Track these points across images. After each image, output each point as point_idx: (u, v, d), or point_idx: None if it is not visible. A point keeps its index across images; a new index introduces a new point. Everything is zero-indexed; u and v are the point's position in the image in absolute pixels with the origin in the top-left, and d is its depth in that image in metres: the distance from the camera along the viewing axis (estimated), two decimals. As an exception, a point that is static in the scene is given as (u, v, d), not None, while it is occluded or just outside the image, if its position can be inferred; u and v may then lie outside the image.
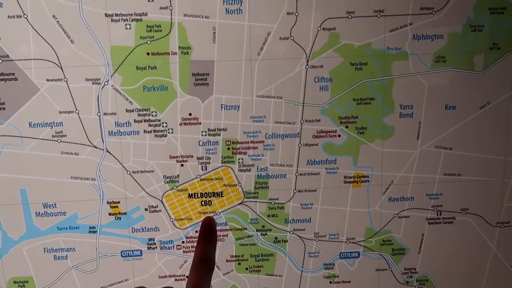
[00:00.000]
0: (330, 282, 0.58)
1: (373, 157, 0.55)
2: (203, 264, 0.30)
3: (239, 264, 0.57)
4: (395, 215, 0.57)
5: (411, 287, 0.59)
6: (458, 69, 0.54)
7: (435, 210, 0.57)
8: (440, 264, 0.58)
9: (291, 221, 0.56)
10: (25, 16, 0.49)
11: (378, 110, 0.54)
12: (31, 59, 0.51)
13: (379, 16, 0.52)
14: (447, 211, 0.57)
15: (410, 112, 0.54)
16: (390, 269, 0.58)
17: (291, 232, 0.57)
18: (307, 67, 0.53)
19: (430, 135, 0.55)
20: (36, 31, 0.50)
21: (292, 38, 0.52)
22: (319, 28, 0.52)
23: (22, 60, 0.51)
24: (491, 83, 0.54)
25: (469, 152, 0.55)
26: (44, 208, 0.54)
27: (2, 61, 0.50)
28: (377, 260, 0.58)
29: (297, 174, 0.55)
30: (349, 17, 0.52)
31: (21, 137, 0.52)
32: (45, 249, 0.55)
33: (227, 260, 0.57)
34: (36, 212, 0.54)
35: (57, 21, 0.50)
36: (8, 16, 0.49)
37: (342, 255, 0.58)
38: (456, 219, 0.57)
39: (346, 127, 0.54)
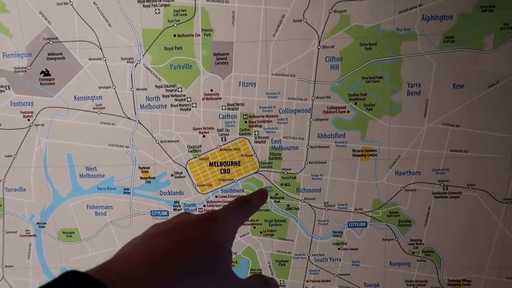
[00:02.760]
0: (339, 249, 0.63)
1: (381, 132, 0.58)
2: (246, 203, 0.31)
3: (254, 227, 0.63)
4: (402, 188, 0.60)
5: (417, 257, 0.62)
6: (467, 49, 0.55)
7: (442, 184, 0.59)
8: (446, 237, 0.61)
9: (302, 190, 0.61)
10: (71, 3, 0.57)
11: (387, 88, 0.57)
12: (75, 41, 0.58)
13: (389, -2, 0.55)
14: (453, 186, 0.59)
15: (417, 90, 0.57)
16: (396, 239, 0.62)
17: (302, 201, 0.61)
18: (319, 47, 0.57)
19: (437, 112, 0.57)
20: (80, 16, 0.57)
21: (305, 20, 0.56)
22: (330, 11, 0.56)
23: (68, 41, 0.59)
24: (500, 62, 0.55)
25: (477, 129, 0.57)
26: (87, 170, 0.62)
27: (52, 42, 0.58)
28: (384, 230, 0.62)
29: (308, 146, 0.59)
30: (360, -1, 0.55)
31: (68, 108, 0.60)
32: (88, 206, 0.64)
33: (243, 224, 0.63)
34: (80, 174, 0.63)
35: (97, 7, 0.57)
36: (57, 4, 0.57)
37: (350, 224, 0.62)
38: (462, 194, 0.59)
39: (355, 103, 0.58)
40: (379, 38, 0.56)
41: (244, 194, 0.62)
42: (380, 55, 0.56)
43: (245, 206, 0.31)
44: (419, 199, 0.60)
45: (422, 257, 0.62)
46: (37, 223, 0.65)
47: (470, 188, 0.59)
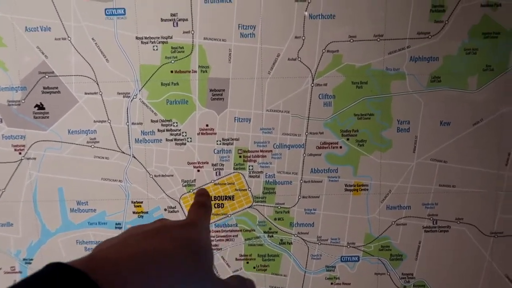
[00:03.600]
0: (332, 283, 0.63)
1: (372, 167, 0.60)
2: (205, 207, 0.33)
3: (247, 262, 0.63)
4: (393, 223, 0.61)
5: (409, 291, 0.62)
6: (452, 89, 0.58)
7: (431, 218, 0.61)
8: (437, 271, 0.62)
9: (296, 225, 0.62)
10: (69, 38, 0.58)
11: (377, 124, 0.59)
12: (72, 75, 0.59)
13: (378, 40, 0.57)
14: (442, 220, 0.61)
15: (407, 127, 0.59)
16: (388, 273, 0.62)
17: (296, 235, 0.62)
18: (312, 85, 0.59)
19: (426, 148, 0.59)
20: (78, 51, 0.58)
21: (299, 59, 0.58)
22: (323, 50, 0.58)
23: (64, 76, 0.59)
24: (484, 101, 0.58)
25: (463, 165, 0.59)
26: (78, 205, 0.62)
27: (48, 76, 0.59)
28: (376, 265, 0.62)
29: (301, 181, 0.60)
30: (351, 40, 0.58)
31: (61, 142, 0.60)
32: (78, 241, 0.62)
33: (236, 259, 0.63)
34: (70, 208, 0.62)
35: (95, 43, 0.58)
36: (55, 39, 0.58)
37: (343, 259, 0.62)
38: (451, 228, 0.61)
39: (347, 139, 0.60)
40: (369, 77, 0.58)
41: (238, 228, 0.62)
42: (371, 93, 0.59)
43: (207, 211, 0.33)
44: (409, 233, 0.61)
45: (413, 291, 0.62)
46: (23, 259, 0.63)
47: (458, 222, 0.61)
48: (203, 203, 0.34)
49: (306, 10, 0.57)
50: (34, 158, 0.60)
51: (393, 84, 0.58)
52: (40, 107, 0.59)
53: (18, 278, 0.63)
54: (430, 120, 0.59)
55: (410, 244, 0.61)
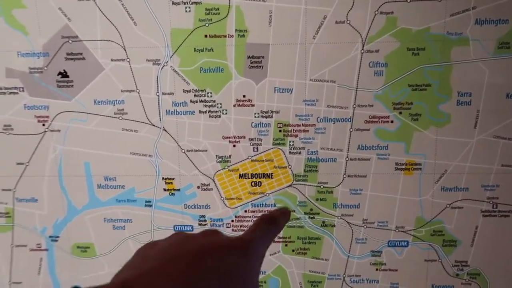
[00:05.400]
0: (377, 270, 0.58)
1: (427, 144, 0.54)
2: (273, 225, 0.27)
3: (286, 245, 0.58)
4: (448, 205, 0.55)
5: (461, 280, 0.57)
6: (523, 56, 0.51)
7: (491, 202, 0.55)
8: (494, 259, 0.56)
9: (340, 206, 0.56)
10: (94, -1, 0.53)
11: (434, 96, 0.53)
12: (97, 40, 0.54)
13: (439, 0, 0.50)
14: (503, 204, 0.55)
15: (468, 100, 0.53)
16: (440, 260, 0.57)
17: (339, 217, 0.57)
18: (362, 51, 0.52)
19: (489, 124, 0.53)
20: (103, 14, 0.53)
21: (348, 22, 0.52)
22: (376, 12, 0.51)
23: (89, 41, 0.54)
24: (559, 71, 0.51)
25: (531, 144, 0.53)
26: (105, 181, 0.58)
27: (72, 41, 0.54)
28: (427, 251, 0.57)
29: (347, 158, 0.55)
30: (408, 0, 0.51)
31: (87, 113, 0.56)
32: (105, 219, 0.59)
33: (274, 241, 0.58)
34: (98, 184, 0.58)
35: (122, 4, 0.53)
36: (78, 0, 0.53)
37: (390, 243, 0.57)
38: (513, 213, 0.55)
39: (400, 113, 0.53)
40: (428, 42, 0.52)
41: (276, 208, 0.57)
42: (428, 61, 0.52)
43: (273, 229, 0.27)
44: (466, 217, 0.55)
45: (467, 280, 0.57)
46: (50, 237, 0.60)
47: (521, 206, 0.55)
48: (273, 219, 0.27)
49: (357, -34, 0.50)
50: (59, 130, 0.56)
51: (455, 50, 0.52)
52: (64, 74, 0.55)
53: (44, 256, 0.60)
54: (495, 92, 0.52)
55: (465, 229, 0.56)
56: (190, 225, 0.58)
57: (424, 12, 0.51)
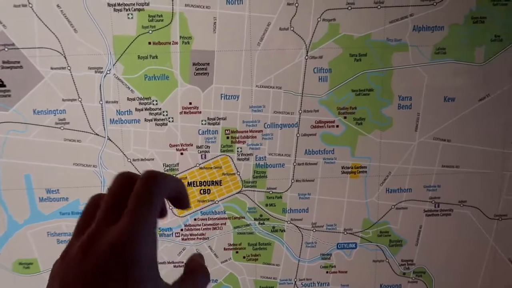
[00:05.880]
0: (327, 272, 0.59)
1: (371, 148, 0.55)
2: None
3: (237, 252, 0.58)
4: (393, 207, 0.57)
5: (408, 278, 0.59)
6: (458, 61, 0.54)
7: (433, 202, 0.57)
8: (438, 257, 0.58)
9: (289, 211, 0.57)
10: (30, 5, 0.51)
11: (377, 101, 0.54)
12: (35, 48, 0.52)
13: (379, 7, 0.52)
14: (445, 203, 0.57)
15: (409, 104, 0.54)
16: (387, 260, 0.58)
17: (289, 222, 0.57)
18: (306, 57, 0.53)
19: (429, 126, 0.55)
20: (41, 20, 0.51)
21: (292, 28, 0.52)
22: (319, 19, 0.52)
23: (27, 48, 0.52)
24: (491, 75, 0.54)
25: (468, 144, 0.55)
26: (48, 193, 0.55)
27: (8, 49, 0.52)
28: (374, 251, 0.58)
29: (295, 163, 0.55)
30: (349, 8, 0.52)
31: (26, 123, 0.53)
32: (49, 233, 0.56)
33: (224, 249, 0.58)
34: (39, 197, 0.55)
35: (61, 11, 0.51)
36: (14, 5, 0.51)
37: (340, 246, 0.58)
38: (454, 211, 0.57)
39: (345, 117, 0.55)
40: (369, 48, 0.53)
41: (226, 215, 0.57)
42: (370, 66, 0.53)
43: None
44: (410, 217, 0.57)
45: (413, 278, 0.59)
46: (-11, 254, 0.57)
47: (461, 205, 0.57)
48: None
49: (299, -26, 0.51)
50: (-4, 142, 0.54)
51: (395, 56, 0.53)
52: (0, 84, 0.52)
53: (-17, 274, 0.57)
54: (433, 96, 0.54)
55: (410, 229, 0.57)
56: (139, 236, 0.57)
57: (365, 19, 0.52)
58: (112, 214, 0.21)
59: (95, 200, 0.23)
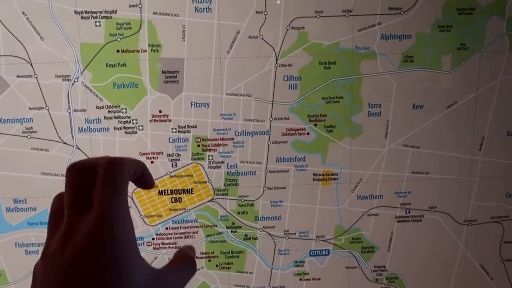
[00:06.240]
0: (300, 279, 0.59)
1: (342, 155, 0.55)
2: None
3: (209, 261, 0.58)
4: (364, 213, 0.57)
5: (381, 284, 0.59)
6: (426, 69, 0.54)
7: (404, 208, 0.57)
8: (410, 262, 0.59)
9: (261, 219, 0.57)
10: (-5, 12, 0.50)
11: (347, 108, 0.55)
12: (0, 56, 0.51)
13: (347, 16, 0.53)
14: (415, 209, 0.57)
15: (378, 111, 0.55)
16: (359, 266, 0.59)
17: (261, 230, 0.57)
18: (276, 65, 0.53)
19: (398, 133, 0.55)
20: (6, 27, 0.50)
21: (261, 36, 0.52)
22: (288, 27, 0.52)
23: (-8, 56, 0.51)
24: (458, 83, 0.55)
25: (437, 151, 0.56)
26: (15, 203, 0.54)
27: (-27, 57, 0.51)
28: (347, 258, 0.58)
29: (266, 171, 0.55)
30: (318, 16, 0.52)
31: (-9, 132, 0.52)
32: (16, 244, 0.55)
33: (197, 257, 0.57)
34: (6, 208, 0.54)
35: (27, 18, 0.50)
36: (-21, 13, 0.50)
37: (312, 253, 0.58)
38: (424, 217, 0.58)
39: (315, 125, 0.55)
40: (338, 56, 0.53)
41: (198, 224, 0.56)
42: (339, 74, 0.54)
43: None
44: (381, 223, 0.57)
45: (386, 284, 0.59)
46: (-46, 266, 0.55)
47: (432, 211, 0.57)
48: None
49: (268, -18, 0.51)
50: (-40, 152, 0.53)
51: (363, 64, 0.54)
52: (-35, 92, 0.52)
53: None
54: (402, 103, 0.55)
55: (382, 235, 0.58)
56: (109, 246, 0.56)
57: (333, 27, 0.53)
58: (81, 205, 0.21)
59: (60, 199, 0.24)
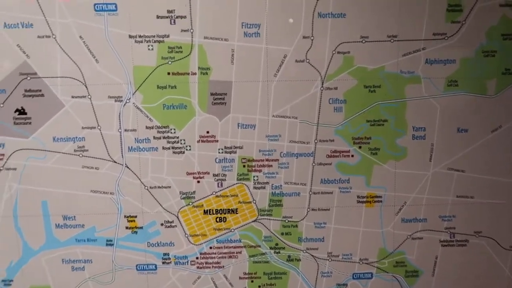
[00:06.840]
0: (342, 302, 0.58)
1: (386, 177, 0.56)
2: None
3: (252, 281, 0.58)
4: (408, 236, 0.57)
5: (424, 309, 0.58)
6: (470, 93, 0.55)
7: (449, 232, 0.57)
8: (454, 287, 0.58)
9: (305, 240, 0.57)
10: (54, 36, 0.52)
11: (391, 131, 0.55)
12: (57, 77, 0.53)
13: (392, 41, 0.53)
14: (460, 234, 0.57)
15: (422, 134, 0.55)
16: (402, 290, 0.58)
17: (305, 251, 0.57)
18: (322, 88, 0.54)
19: (443, 157, 0.55)
20: (64, 51, 0.52)
21: (307, 60, 0.54)
22: (333, 52, 0.54)
23: (49, 77, 0.53)
24: (503, 107, 0.55)
25: (481, 175, 0.56)
26: (64, 220, 0.56)
27: (30, 78, 0.53)
28: (391, 282, 0.58)
29: (310, 192, 0.56)
30: (363, 41, 0.53)
31: (45, 150, 0.54)
32: (63, 260, 0.56)
33: (240, 277, 0.57)
34: (56, 224, 0.56)
35: (84, 42, 0.52)
36: (38, 36, 0.52)
37: (355, 276, 0.58)
38: (469, 242, 0.57)
39: (360, 147, 0.55)
40: (383, 80, 0.54)
41: (241, 244, 0.57)
42: (384, 97, 0.54)
43: None
44: (426, 247, 0.57)
45: (429, 309, 0.58)
46: (2, 281, 0.56)
47: (477, 235, 0.57)
48: None
49: (315, 9, 0.52)
50: (15, 169, 0.54)
51: (408, 88, 0.54)
52: (21, 112, 0.54)
53: (-5, 302, 0.57)
54: (446, 127, 0.55)
55: (426, 259, 0.57)
56: (153, 264, 0.57)
57: (378, 52, 0.54)
58: None
59: None
